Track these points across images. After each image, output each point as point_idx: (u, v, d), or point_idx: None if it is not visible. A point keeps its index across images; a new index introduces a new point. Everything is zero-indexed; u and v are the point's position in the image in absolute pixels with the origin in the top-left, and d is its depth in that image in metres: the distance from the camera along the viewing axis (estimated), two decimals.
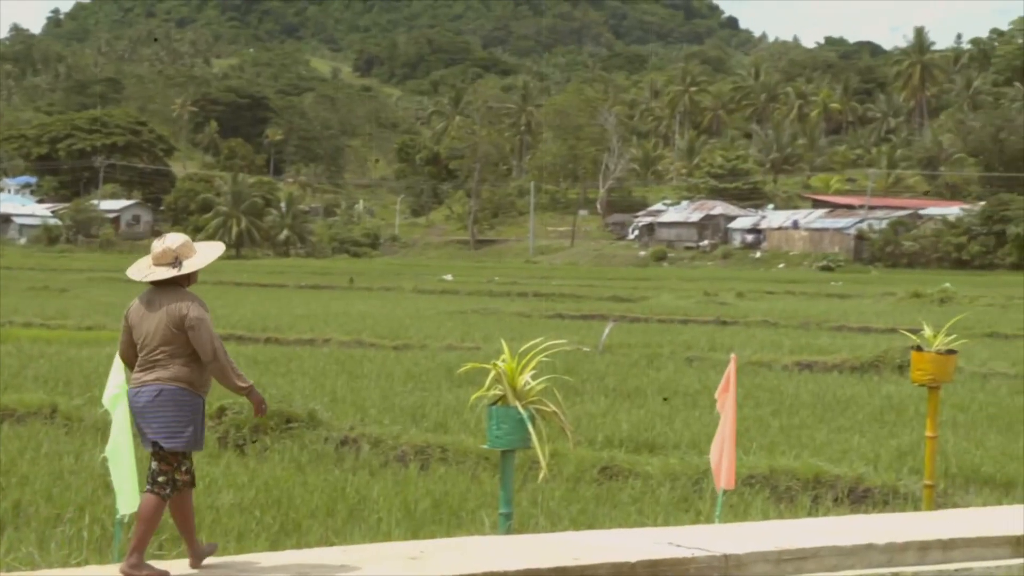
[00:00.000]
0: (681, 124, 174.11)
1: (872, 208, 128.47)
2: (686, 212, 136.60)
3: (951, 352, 11.23)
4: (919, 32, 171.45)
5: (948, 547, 9.05)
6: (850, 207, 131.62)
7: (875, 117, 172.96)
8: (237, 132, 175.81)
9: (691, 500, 12.78)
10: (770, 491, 13.23)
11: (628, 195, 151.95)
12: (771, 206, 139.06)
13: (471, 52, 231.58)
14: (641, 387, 21.31)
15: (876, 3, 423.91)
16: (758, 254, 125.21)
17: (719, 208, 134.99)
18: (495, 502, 10.91)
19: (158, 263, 8.38)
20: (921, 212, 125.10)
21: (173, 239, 8.44)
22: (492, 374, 9.47)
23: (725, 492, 10.62)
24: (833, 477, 13.52)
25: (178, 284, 8.40)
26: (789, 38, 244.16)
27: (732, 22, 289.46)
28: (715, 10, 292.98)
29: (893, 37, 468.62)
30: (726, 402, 10.56)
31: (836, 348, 28.78)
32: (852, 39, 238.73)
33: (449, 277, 76.28)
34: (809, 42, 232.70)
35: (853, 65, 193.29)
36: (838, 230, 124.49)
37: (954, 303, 53.73)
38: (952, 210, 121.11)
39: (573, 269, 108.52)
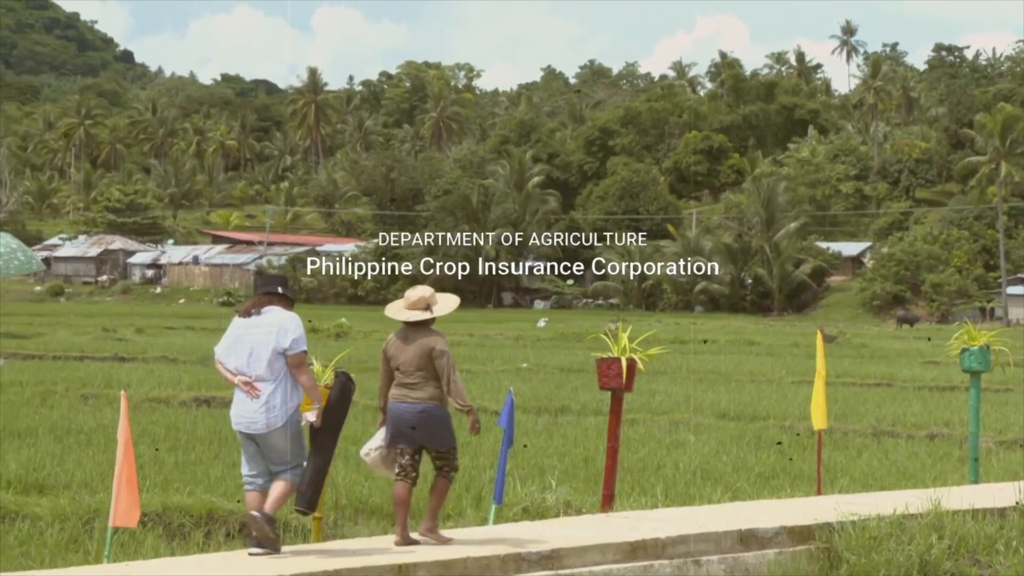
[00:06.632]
0: (77, 157, 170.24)
1: (271, 244, 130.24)
2: (84, 247, 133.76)
3: None
4: (313, 72, 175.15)
5: None
6: (249, 243, 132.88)
7: (272, 154, 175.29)
8: None
9: (81, 540, 12.55)
10: (163, 528, 13.17)
11: (22, 229, 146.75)
12: (171, 241, 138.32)
13: None
14: (33, 426, 20.70)
15: (272, 42, 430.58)
16: (159, 289, 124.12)
17: (118, 243, 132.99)
18: None
19: (413, 308, 10.82)
20: (318, 248, 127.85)
21: (425, 289, 10.90)
22: None
23: (115, 531, 10.51)
24: (227, 512, 13.61)
25: (426, 324, 10.86)
26: (186, 74, 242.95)
27: (127, 56, 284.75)
28: (110, 43, 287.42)
29: (288, 76, 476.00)
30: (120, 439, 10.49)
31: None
32: (249, 77, 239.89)
33: None
34: (206, 78, 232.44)
35: (250, 103, 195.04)
36: (238, 265, 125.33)
37: (349, 338, 55.15)
38: (347, 247, 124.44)
39: None
